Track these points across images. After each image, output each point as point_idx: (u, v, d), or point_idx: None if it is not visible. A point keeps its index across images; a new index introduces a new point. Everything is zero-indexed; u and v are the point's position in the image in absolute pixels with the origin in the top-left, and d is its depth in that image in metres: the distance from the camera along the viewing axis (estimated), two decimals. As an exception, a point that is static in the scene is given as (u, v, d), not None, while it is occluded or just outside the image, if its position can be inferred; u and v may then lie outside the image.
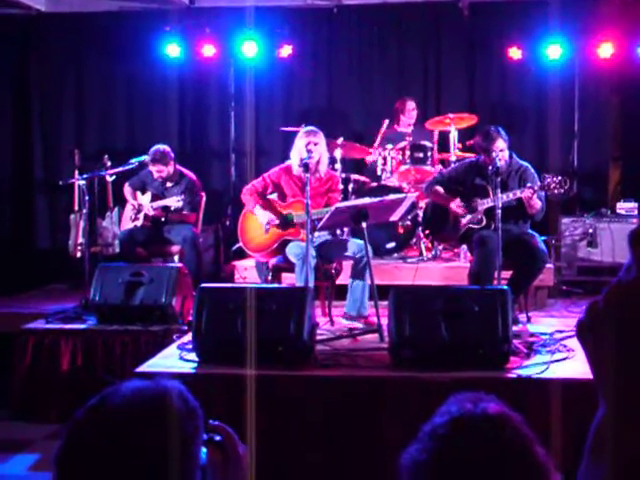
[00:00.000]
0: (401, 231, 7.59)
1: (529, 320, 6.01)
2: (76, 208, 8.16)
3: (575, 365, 4.42)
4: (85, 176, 7.00)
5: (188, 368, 4.53)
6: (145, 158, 7.25)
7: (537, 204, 5.94)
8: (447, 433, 1.31)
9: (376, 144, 8.23)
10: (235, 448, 1.78)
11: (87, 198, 6.75)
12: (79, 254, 7.77)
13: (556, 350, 4.78)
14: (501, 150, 5.98)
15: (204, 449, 1.61)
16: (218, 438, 1.76)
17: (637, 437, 0.68)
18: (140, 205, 7.30)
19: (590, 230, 8.00)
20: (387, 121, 8.29)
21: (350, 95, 9.53)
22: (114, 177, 7.64)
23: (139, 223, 7.26)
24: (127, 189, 7.49)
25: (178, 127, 9.57)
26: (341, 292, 6.08)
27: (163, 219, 7.25)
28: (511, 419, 1.34)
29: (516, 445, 1.29)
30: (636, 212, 8.18)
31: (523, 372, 4.32)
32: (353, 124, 9.39)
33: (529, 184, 5.97)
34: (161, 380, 1.45)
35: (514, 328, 4.81)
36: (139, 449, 1.33)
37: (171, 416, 1.36)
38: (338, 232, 6.83)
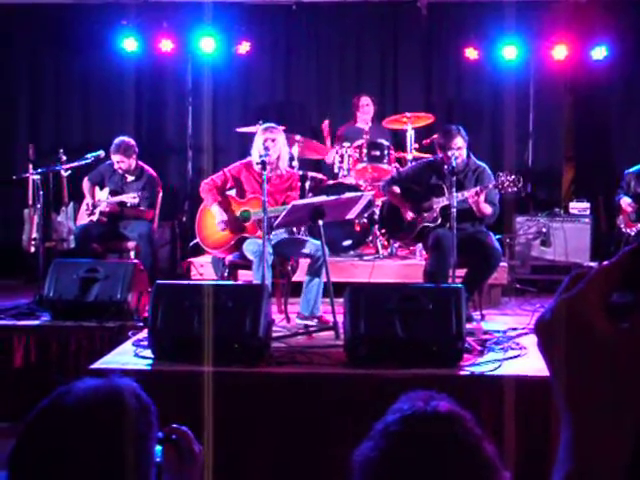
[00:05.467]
0: (358, 229, 7.62)
1: (483, 318, 6.07)
2: (30, 203, 8.06)
3: (527, 362, 4.49)
4: (40, 171, 6.93)
5: (143, 365, 4.50)
6: (100, 153, 7.17)
7: (485, 209, 5.98)
8: (398, 431, 1.33)
9: (328, 144, 8.30)
10: (191, 447, 1.79)
11: (41, 193, 6.68)
12: (33, 249, 7.68)
13: (509, 348, 4.84)
14: (459, 148, 6.03)
15: (159, 447, 1.61)
16: (174, 437, 1.77)
17: None
18: (96, 201, 7.22)
19: (543, 229, 8.11)
20: (327, 121, 8.40)
21: (308, 92, 9.55)
22: (69, 172, 7.56)
23: (95, 218, 7.18)
24: (86, 184, 7.39)
25: (134, 122, 9.51)
26: (297, 289, 6.09)
27: (120, 214, 7.19)
28: (461, 417, 1.37)
29: (465, 443, 1.31)
30: (588, 212, 8.31)
31: (476, 369, 4.37)
32: (311, 121, 9.40)
33: (476, 188, 6.00)
34: (114, 378, 1.45)
35: (468, 326, 4.87)
36: (93, 449, 1.33)
37: (124, 414, 1.36)
38: (295, 230, 6.84)
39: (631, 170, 7.58)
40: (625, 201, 7.51)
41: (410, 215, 6.26)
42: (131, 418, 1.37)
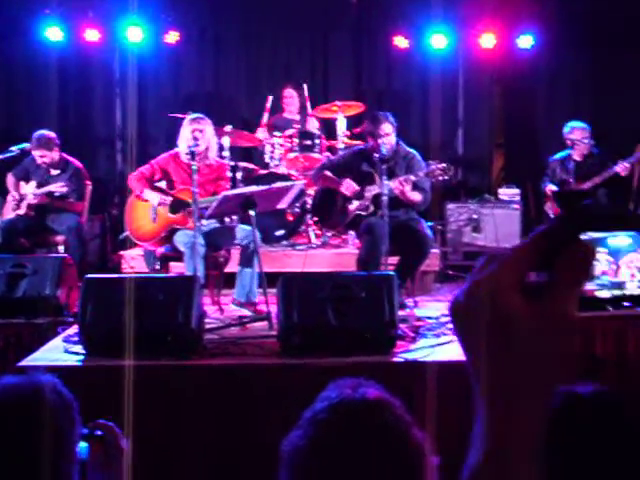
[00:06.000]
0: (290, 218, 7.61)
1: (416, 305, 6.11)
2: (-47, 198, 7.83)
3: (460, 348, 4.53)
4: (-38, 164, 6.75)
5: (74, 361, 4.43)
6: (26, 146, 7.01)
7: (413, 197, 6.01)
8: (326, 418, 1.32)
9: (264, 120, 8.25)
10: (117, 442, 1.75)
11: (-35, 187, 6.51)
12: (-44, 245, 7.46)
13: (442, 334, 4.89)
14: (387, 134, 6.05)
15: (85, 444, 1.58)
16: (99, 432, 1.73)
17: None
18: (22, 195, 7.06)
19: (474, 216, 8.21)
20: (271, 97, 8.33)
21: (238, 82, 9.50)
22: (-7, 165, 7.36)
23: (22, 212, 7.02)
24: (10, 179, 7.22)
25: (60, 113, 9.30)
26: (230, 280, 6.05)
27: (48, 207, 7.04)
28: (389, 404, 1.36)
29: (393, 429, 1.31)
30: (518, 198, 8.44)
31: (409, 356, 4.40)
32: (241, 111, 9.35)
33: (401, 178, 6.01)
34: (34, 374, 1.41)
35: (401, 313, 4.91)
36: (9, 445, 1.29)
37: (43, 411, 1.32)
38: (227, 219, 6.78)
39: (555, 157, 7.73)
40: (550, 188, 7.65)
41: (352, 188, 6.19)
42: (51, 414, 1.33)
